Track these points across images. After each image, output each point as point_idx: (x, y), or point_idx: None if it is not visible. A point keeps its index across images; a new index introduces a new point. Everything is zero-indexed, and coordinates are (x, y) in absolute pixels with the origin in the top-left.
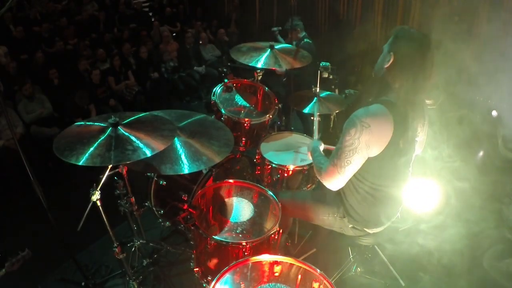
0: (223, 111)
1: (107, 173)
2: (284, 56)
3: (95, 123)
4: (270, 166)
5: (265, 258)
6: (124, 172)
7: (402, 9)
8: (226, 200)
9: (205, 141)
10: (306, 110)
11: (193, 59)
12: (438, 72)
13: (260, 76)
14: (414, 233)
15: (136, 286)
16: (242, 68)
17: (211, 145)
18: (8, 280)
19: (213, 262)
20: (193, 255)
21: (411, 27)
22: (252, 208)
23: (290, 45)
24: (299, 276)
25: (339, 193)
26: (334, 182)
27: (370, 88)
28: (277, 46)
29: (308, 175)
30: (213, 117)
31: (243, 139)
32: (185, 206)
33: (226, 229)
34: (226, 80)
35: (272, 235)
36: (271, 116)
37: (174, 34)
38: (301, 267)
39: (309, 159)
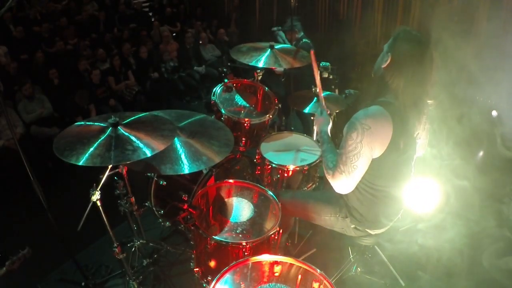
0: (223, 111)
1: (107, 173)
2: (284, 56)
3: (95, 123)
4: (270, 166)
5: (265, 258)
6: (124, 172)
7: (402, 9)
8: (226, 200)
9: (205, 141)
10: (306, 110)
11: (193, 59)
12: (438, 71)
13: (260, 76)
14: (414, 232)
15: (136, 286)
16: (242, 68)
17: (211, 145)
18: (8, 280)
19: (213, 262)
20: (193, 255)
21: (411, 27)
22: (252, 208)
23: (290, 45)
24: (299, 276)
25: (342, 194)
26: (343, 187)
27: (370, 88)
28: (277, 46)
29: (308, 175)
30: (213, 117)
31: (243, 139)
32: (185, 206)
33: (226, 229)
34: (226, 80)
35: (272, 235)
36: (271, 116)
37: (174, 34)
38: (301, 267)
39: (309, 157)
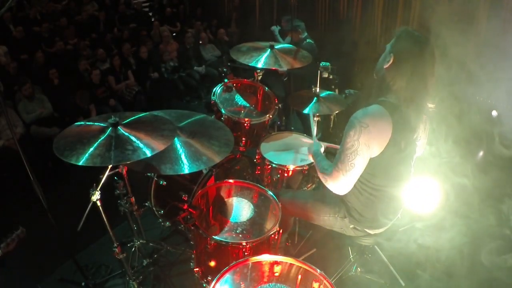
0: (223, 111)
1: (107, 173)
2: (284, 56)
3: (95, 123)
4: (270, 166)
5: (265, 258)
6: (124, 172)
7: (402, 8)
8: (226, 200)
9: (205, 141)
10: (306, 110)
11: (193, 59)
12: (437, 70)
13: (260, 76)
14: (413, 232)
15: (136, 286)
16: (242, 68)
17: (211, 145)
18: (8, 280)
19: (213, 262)
20: (193, 255)
21: (412, 27)
22: (252, 208)
23: (290, 45)
24: (299, 276)
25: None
26: (340, 186)
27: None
28: (277, 46)
29: (308, 175)
30: (213, 117)
31: (243, 139)
32: (185, 206)
33: (226, 229)
34: (226, 80)
35: (272, 235)
36: (271, 116)
37: (174, 34)
38: (301, 267)
39: (310, 159)
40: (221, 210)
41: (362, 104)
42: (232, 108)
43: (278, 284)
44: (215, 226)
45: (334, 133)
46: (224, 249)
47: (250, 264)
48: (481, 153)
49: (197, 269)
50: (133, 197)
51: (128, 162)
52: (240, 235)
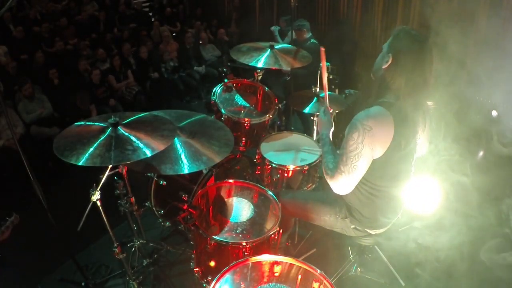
0: (223, 111)
1: (107, 173)
2: (284, 56)
3: (95, 123)
4: (270, 166)
5: (265, 258)
6: (124, 172)
7: (402, 9)
8: (226, 200)
9: (205, 141)
10: (306, 110)
11: (193, 59)
12: (437, 69)
13: (260, 76)
14: (413, 232)
15: (136, 286)
16: (242, 68)
17: (211, 145)
18: (8, 280)
19: (213, 262)
20: (193, 255)
21: (411, 27)
22: (252, 208)
23: (290, 45)
24: (299, 276)
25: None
26: (342, 187)
27: (370, 88)
28: (277, 46)
29: (308, 175)
30: (213, 117)
31: (243, 139)
32: (185, 206)
33: (226, 229)
34: (226, 80)
35: (272, 235)
36: (271, 116)
37: (174, 34)
38: (301, 267)
39: (310, 160)
40: (221, 210)
41: (362, 104)
42: (232, 108)
43: (278, 284)
44: (215, 226)
45: (334, 133)
46: (224, 249)
47: (250, 264)
48: (478, 151)
49: (197, 269)
50: (133, 197)
51: (128, 162)
52: (240, 235)
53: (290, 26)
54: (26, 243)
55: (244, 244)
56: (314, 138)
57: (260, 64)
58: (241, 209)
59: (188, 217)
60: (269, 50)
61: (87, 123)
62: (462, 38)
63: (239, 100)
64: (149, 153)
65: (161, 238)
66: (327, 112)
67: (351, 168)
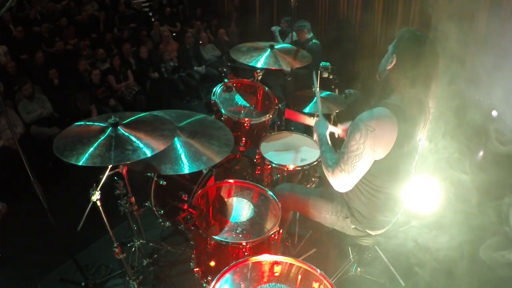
0: (223, 111)
1: (107, 173)
2: (284, 56)
3: (95, 123)
4: (270, 166)
5: (265, 258)
6: (124, 172)
7: (402, 9)
8: (226, 200)
9: (205, 141)
10: (306, 110)
11: (193, 59)
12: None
13: (260, 76)
14: (413, 232)
15: (136, 286)
16: (242, 68)
17: (211, 145)
18: (8, 280)
19: (213, 262)
20: (193, 255)
21: (412, 27)
22: (252, 208)
23: (290, 45)
24: (299, 276)
25: (343, 193)
26: (341, 185)
27: (370, 88)
28: (277, 46)
29: (308, 175)
30: (213, 117)
31: (243, 139)
32: (185, 206)
33: (226, 229)
34: (226, 80)
35: (272, 235)
36: (271, 116)
37: (174, 34)
38: (301, 267)
39: (310, 159)
40: (221, 210)
41: (362, 104)
42: (232, 108)
43: (278, 284)
44: (215, 226)
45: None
46: (224, 249)
47: (250, 264)
48: (477, 149)
49: (197, 269)
50: (133, 197)
51: (128, 162)
52: (240, 235)
53: (290, 27)
54: (26, 243)
55: (244, 244)
56: (314, 138)
57: (260, 64)
58: (241, 209)
59: (188, 217)
60: (269, 50)
61: (87, 123)
62: (461, 38)
63: (239, 100)
64: (149, 153)
65: (161, 238)
66: (321, 117)
67: (351, 168)
